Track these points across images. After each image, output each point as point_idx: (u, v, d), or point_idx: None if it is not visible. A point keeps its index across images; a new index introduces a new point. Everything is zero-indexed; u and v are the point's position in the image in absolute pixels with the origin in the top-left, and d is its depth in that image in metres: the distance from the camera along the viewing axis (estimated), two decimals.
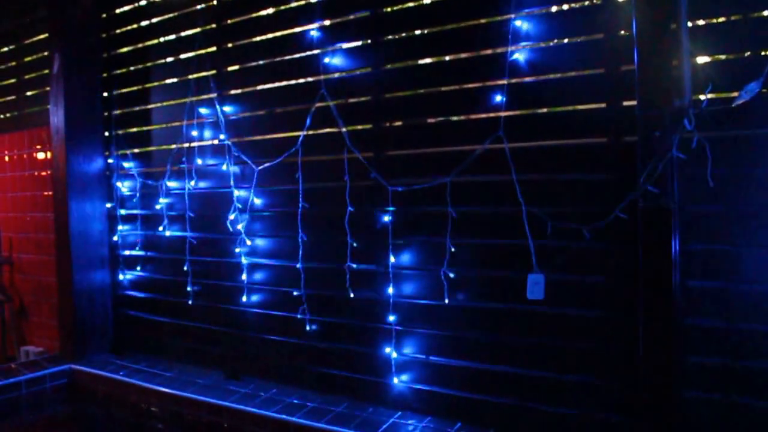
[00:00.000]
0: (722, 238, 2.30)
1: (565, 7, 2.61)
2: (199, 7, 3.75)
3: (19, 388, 3.77)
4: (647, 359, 2.34)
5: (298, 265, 3.32)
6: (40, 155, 4.69)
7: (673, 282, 2.28)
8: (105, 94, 4.28)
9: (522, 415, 2.74)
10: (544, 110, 2.70)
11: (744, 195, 2.25)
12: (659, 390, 2.32)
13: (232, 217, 3.56)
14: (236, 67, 3.62)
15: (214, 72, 3.68)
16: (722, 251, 2.30)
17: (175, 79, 3.94)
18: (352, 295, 3.16)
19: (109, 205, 4.28)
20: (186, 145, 3.80)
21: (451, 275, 2.86)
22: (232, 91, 3.63)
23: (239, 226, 3.54)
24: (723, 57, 2.31)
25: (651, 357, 2.33)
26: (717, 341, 2.32)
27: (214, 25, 3.68)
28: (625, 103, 2.45)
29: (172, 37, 3.93)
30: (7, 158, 4.94)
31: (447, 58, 2.93)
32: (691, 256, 2.34)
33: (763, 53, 2.22)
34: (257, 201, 3.50)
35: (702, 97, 2.25)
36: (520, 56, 2.65)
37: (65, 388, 4.00)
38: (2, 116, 5.03)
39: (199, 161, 3.75)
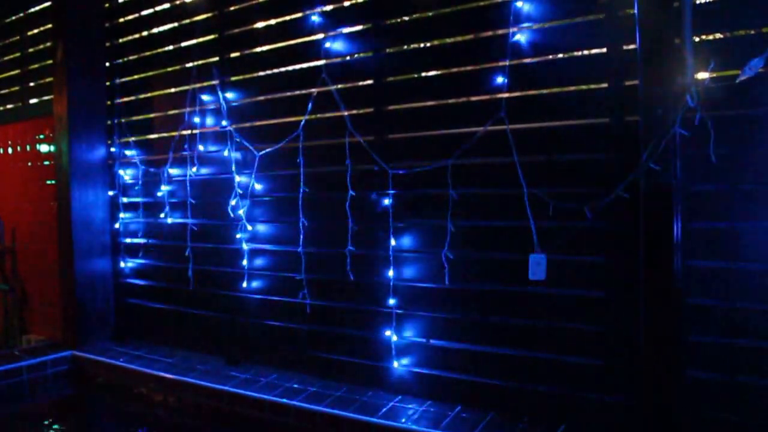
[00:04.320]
0: (725, 216, 2.28)
1: None
2: None
3: (21, 374, 3.76)
4: (649, 339, 2.32)
5: (299, 250, 3.31)
6: (43, 145, 4.70)
7: (675, 261, 2.26)
8: (108, 83, 4.28)
9: (523, 398, 2.73)
10: (546, 91, 2.69)
11: (747, 173, 2.23)
12: (661, 370, 2.31)
13: (233, 203, 3.56)
14: (238, 54, 3.62)
15: (216, 59, 3.68)
16: (724, 230, 2.29)
17: (177, 67, 3.94)
18: (352, 279, 3.15)
19: (111, 193, 4.27)
20: (188, 132, 3.79)
21: (452, 257, 2.84)
22: (234, 78, 3.63)
23: (240, 212, 3.53)
24: (726, 34, 2.30)
25: (653, 337, 2.31)
26: (719, 320, 2.30)
27: (216, 12, 3.68)
28: (627, 83, 2.44)
29: (175, 25, 3.93)
30: (10, 149, 4.95)
31: (448, 40, 2.92)
32: (693, 235, 2.32)
33: (766, 30, 2.20)
34: (258, 186, 3.49)
35: (705, 74, 2.23)
36: (521, 37, 2.64)
37: (66, 374, 3.99)
38: (6, 107, 5.04)
39: (201, 148, 3.75)
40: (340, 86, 3.17)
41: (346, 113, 3.12)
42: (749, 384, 2.24)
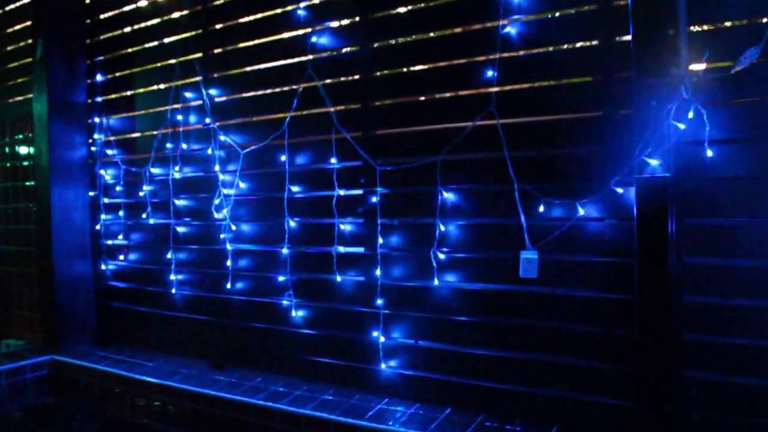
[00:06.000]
0: (721, 210, 2.23)
1: None
2: None
3: None
4: (644, 337, 2.26)
5: (285, 250, 3.24)
6: (22, 144, 4.60)
7: (670, 257, 2.20)
8: (88, 81, 4.19)
9: (515, 399, 2.66)
10: (537, 84, 2.63)
11: (744, 166, 2.18)
12: (657, 369, 2.25)
13: (217, 202, 3.48)
14: (222, 50, 3.54)
15: (199, 55, 3.60)
16: (721, 225, 2.23)
17: (160, 64, 3.85)
18: (339, 279, 3.08)
19: (92, 194, 4.17)
20: (170, 130, 3.71)
21: (441, 256, 2.78)
22: (218, 74, 3.55)
23: (224, 212, 3.45)
24: (721, 24, 2.25)
25: (648, 335, 2.25)
26: (717, 318, 2.25)
27: (199, 7, 3.59)
28: (620, 75, 2.38)
29: (157, 20, 3.84)
30: None
31: (437, 33, 2.86)
32: (689, 231, 2.26)
33: (762, 20, 2.15)
34: (243, 185, 3.41)
35: (700, 65, 2.19)
36: (511, 29, 2.58)
37: (46, 378, 3.89)
38: None
39: (184, 146, 3.66)
40: (326, 81, 3.10)
41: (332, 109, 3.06)
42: (748, 384, 2.19)
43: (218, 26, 3.55)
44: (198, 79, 3.56)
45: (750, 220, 2.17)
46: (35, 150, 4.10)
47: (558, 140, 2.56)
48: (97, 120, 4.14)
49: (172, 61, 3.70)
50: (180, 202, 3.72)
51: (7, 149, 4.74)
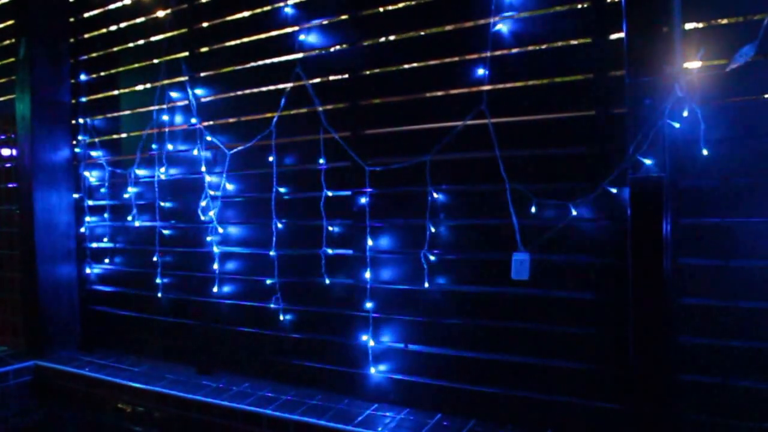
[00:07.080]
0: (717, 210, 2.19)
1: None
2: None
3: None
4: (639, 341, 2.22)
5: (272, 253, 3.18)
6: (5, 146, 4.52)
7: (665, 259, 2.16)
8: (72, 81, 4.12)
9: (507, 404, 2.61)
10: (529, 83, 2.59)
11: (740, 165, 2.14)
12: (651, 373, 2.21)
13: (203, 204, 3.41)
14: (208, 48, 3.47)
15: (185, 54, 3.54)
16: (717, 225, 2.19)
17: (145, 63, 3.78)
18: (327, 282, 3.02)
19: (76, 196, 4.10)
20: (156, 130, 3.65)
21: (432, 258, 2.73)
22: (204, 74, 3.49)
23: (211, 214, 3.39)
24: (716, 21, 2.21)
25: (643, 339, 2.21)
26: (712, 321, 2.21)
27: (185, 6, 3.53)
28: (614, 74, 2.34)
29: (142, 19, 3.77)
30: None
31: (427, 31, 2.80)
32: (684, 231, 2.22)
33: (757, 17, 2.11)
34: (229, 187, 3.35)
35: (694, 63, 2.15)
36: (503, 27, 2.54)
37: (30, 384, 3.81)
38: None
39: (170, 147, 3.60)
40: (314, 80, 3.04)
41: (320, 109, 3.00)
42: (744, 387, 2.15)
43: (204, 25, 3.49)
44: (184, 78, 3.50)
45: (747, 220, 2.14)
46: (18, 151, 4.02)
47: (550, 140, 2.52)
48: (81, 120, 4.07)
49: (158, 60, 3.64)
50: (166, 204, 3.66)
51: None
